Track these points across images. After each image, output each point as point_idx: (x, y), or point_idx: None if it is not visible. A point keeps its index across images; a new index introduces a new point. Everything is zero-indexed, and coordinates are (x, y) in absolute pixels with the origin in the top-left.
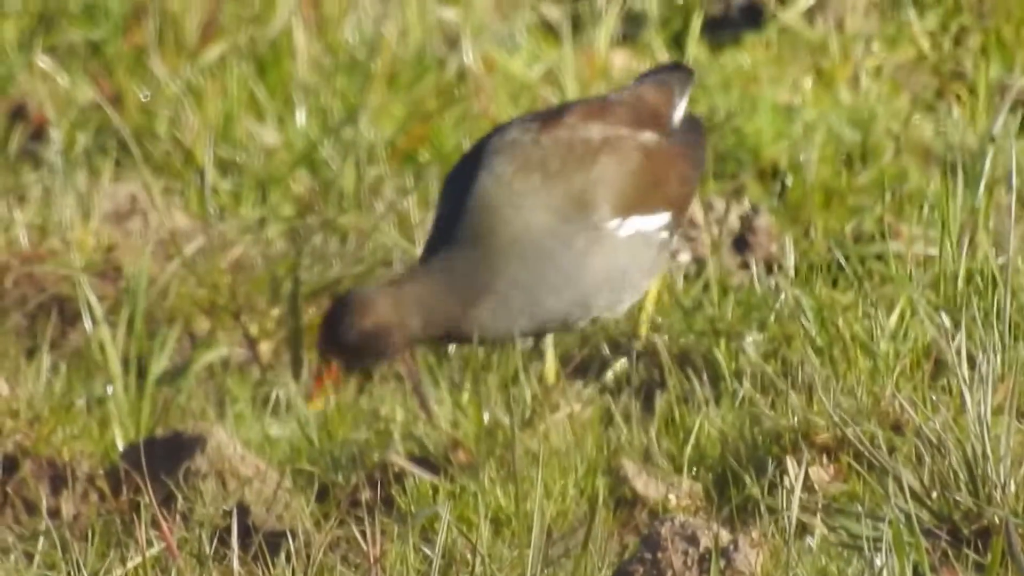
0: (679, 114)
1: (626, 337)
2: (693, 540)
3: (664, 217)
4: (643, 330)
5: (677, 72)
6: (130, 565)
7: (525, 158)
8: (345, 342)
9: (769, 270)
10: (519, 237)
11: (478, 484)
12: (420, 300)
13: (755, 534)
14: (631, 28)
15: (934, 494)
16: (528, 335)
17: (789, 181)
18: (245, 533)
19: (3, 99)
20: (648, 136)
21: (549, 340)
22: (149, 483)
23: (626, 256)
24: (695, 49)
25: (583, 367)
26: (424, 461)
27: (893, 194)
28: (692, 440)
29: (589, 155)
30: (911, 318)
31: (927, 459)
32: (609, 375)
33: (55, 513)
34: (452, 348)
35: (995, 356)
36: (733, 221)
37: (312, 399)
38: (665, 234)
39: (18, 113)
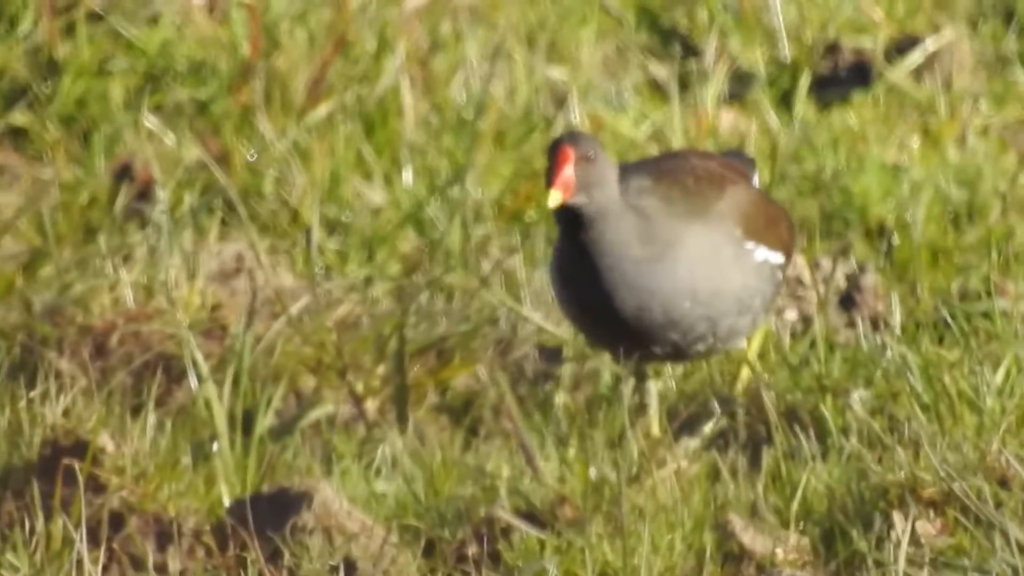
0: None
1: (728, 393)
2: None
3: (780, 257)
4: (742, 386)
5: (743, 155)
6: None
7: (660, 175)
8: (586, 146)
9: (876, 328)
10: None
11: (585, 539)
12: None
13: None
14: (739, 87)
15: None
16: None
17: (896, 240)
18: None
19: (110, 158)
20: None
21: (653, 394)
22: (256, 539)
23: (756, 279)
24: (803, 107)
25: (689, 423)
26: (531, 516)
27: (1000, 252)
28: (799, 495)
29: (717, 181)
30: (1017, 375)
31: None
32: (707, 430)
33: (162, 569)
34: (559, 401)
35: None
36: (840, 279)
37: (552, 187)
38: (780, 275)
39: (125, 172)
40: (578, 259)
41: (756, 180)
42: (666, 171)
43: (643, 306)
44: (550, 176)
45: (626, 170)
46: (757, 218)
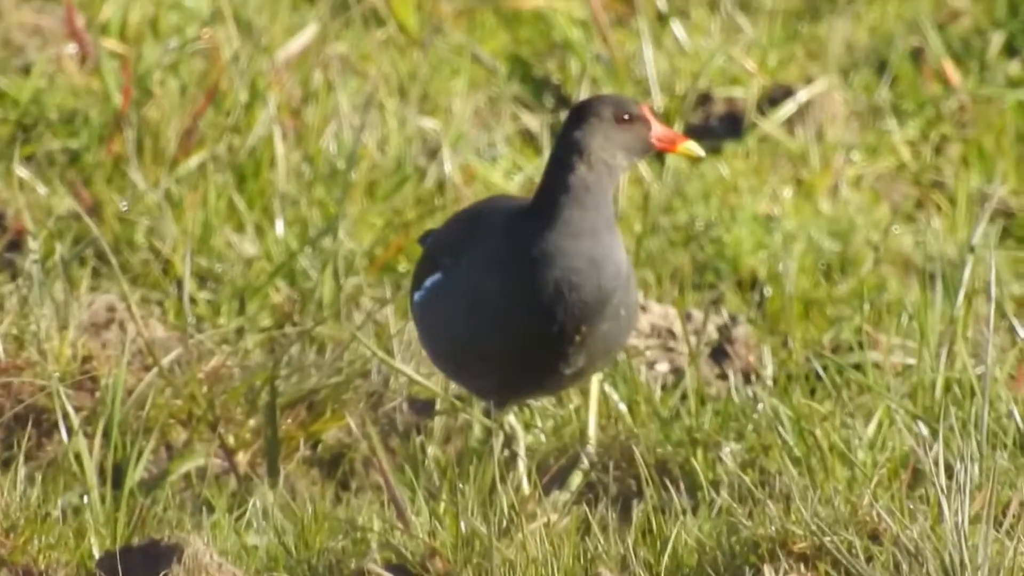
0: None
1: (586, 445)
2: None
3: None
4: (592, 432)
5: None
6: None
7: None
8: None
9: (747, 380)
10: None
11: None
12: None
13: None
14: None
15: None
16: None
17: (768, 291)
18: None
19: None
20: None
21: (523, 446)
22: None
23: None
24: (675, 158)
25: (560, 476)
26: (402, 570)
27: (872, 304)
28: (669, 549)
29: None
30: (889, 427)
31: (905, 567)
32: (576, 482)
33: None
34: (429, 454)
35: (973, 465)
36: (711, 331)
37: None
38: None
39: None
40: (580, 233)
41: None
42: None
43: (606, 318)
44: (675, 133)
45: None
46: None
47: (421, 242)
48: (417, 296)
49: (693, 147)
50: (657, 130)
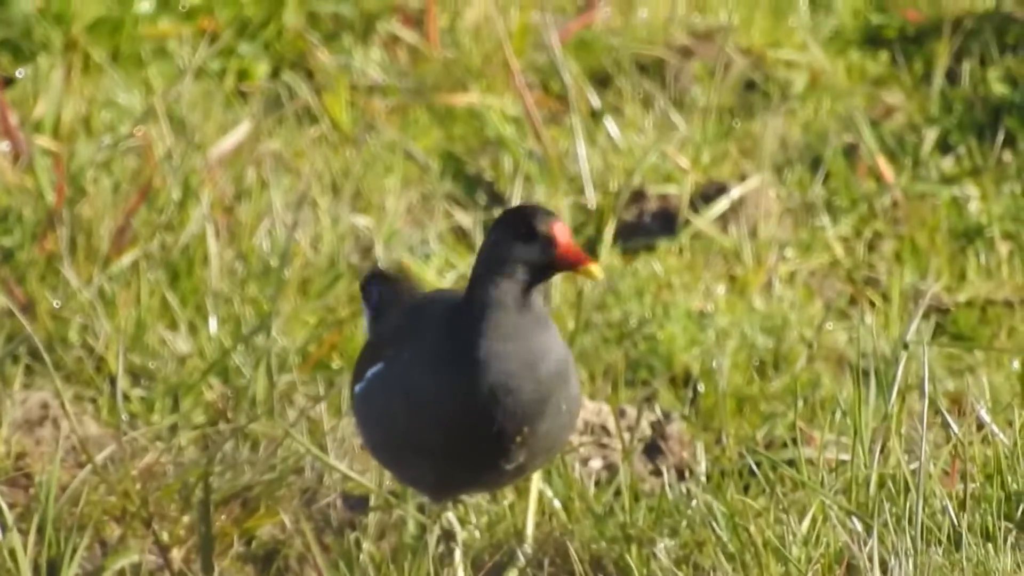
0: None
1: (522, 543)
2: None
3: None
4: (530, 530)
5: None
6: None
7: None
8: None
9: (681, 476)
10: None
11: None
12: None
13: None
14: None
15: None
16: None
17: (701, 388)
18: None
19: None
20: None
21: (459, 542)
22: None
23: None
24: (608, 255)
25: (495, 571)
26: None
27: (805, 400)
28: None
29: None
30: (823, 523)
31: None
32: None
33: None
34: (364, 550)
35: (907, 561)
36: (645, 428)
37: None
38: None
39: None
40: (512, 336)
41: None
42: None
43: (547, 415)
44: (578, 254)
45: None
46: None
47: (362, 288)
48: (358, 387)
49: (595, 269)
50: (561, 249)
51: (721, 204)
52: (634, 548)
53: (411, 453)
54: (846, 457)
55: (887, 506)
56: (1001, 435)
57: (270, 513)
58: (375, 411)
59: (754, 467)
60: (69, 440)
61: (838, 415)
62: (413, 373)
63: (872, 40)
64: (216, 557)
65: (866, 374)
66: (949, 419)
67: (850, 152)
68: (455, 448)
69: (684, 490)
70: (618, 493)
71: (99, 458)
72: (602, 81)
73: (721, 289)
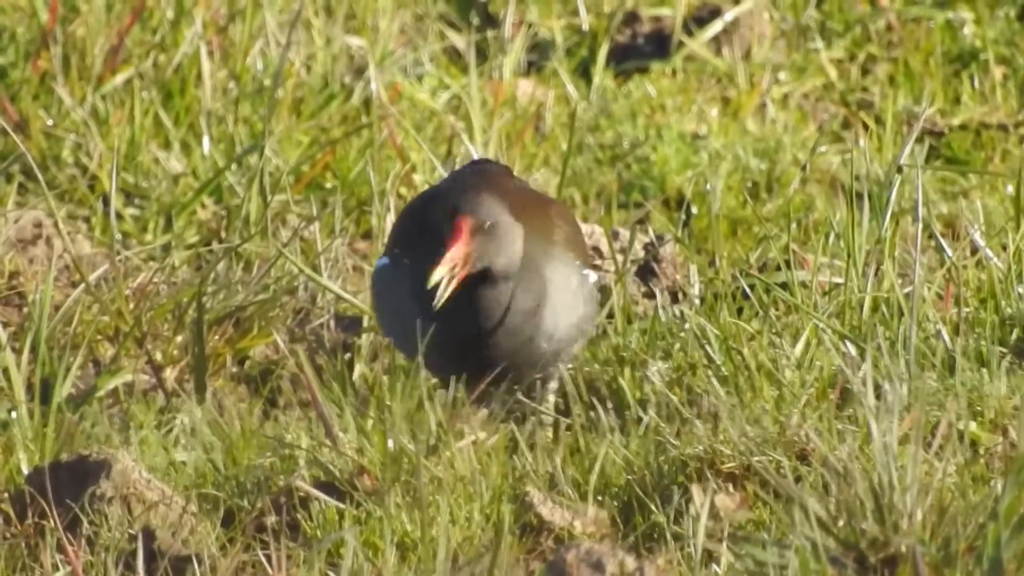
0: None
1: None
2: (599, 567)
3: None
4: None
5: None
6: None
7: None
8: (483, 215)
9: (674, 299)
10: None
11: (384, 510)
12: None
13: (661, 561)
14: (537, 57)
15: (840, 522)
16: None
17: (695, 210)
18: (151, 558)
19: None
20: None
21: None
22: (54, 508)
23: (592, 305)
24: (601, 77)
25: (487, 394)
26: (329, 487)
27: (799, 223)
28: (597, 468)
29: (542, 207)
30: (817, 347)
31: (833, 488)
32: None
33: None
34: (357, 371)
35: (901, 386)
36: (638, 250)
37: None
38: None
39: None
40: (464, 305)
41: None
42: (501, 200)
43: (515, 350)
44: (446, 258)
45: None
46: (580, 240)
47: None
48: (377, 262)
49: (436, 274)
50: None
51: (715, 26)
52: (627, 370)
53: (408, 345)
54: (839, 280)
55: (881, 330)
56: (995, 259)
57: (263, 334)
58: (378, 296)
59: (747, 290)
60: (62, 259)
61: (831, 238)
62: (403, 288)
63: None
64: (209, 377)
65: (860, 197)
66: (943, 243)
67: None
68: (440, 358)
69: (677, 312)
70: (611, 316)
71: (92, 277)
72: None
73: (714, 112)
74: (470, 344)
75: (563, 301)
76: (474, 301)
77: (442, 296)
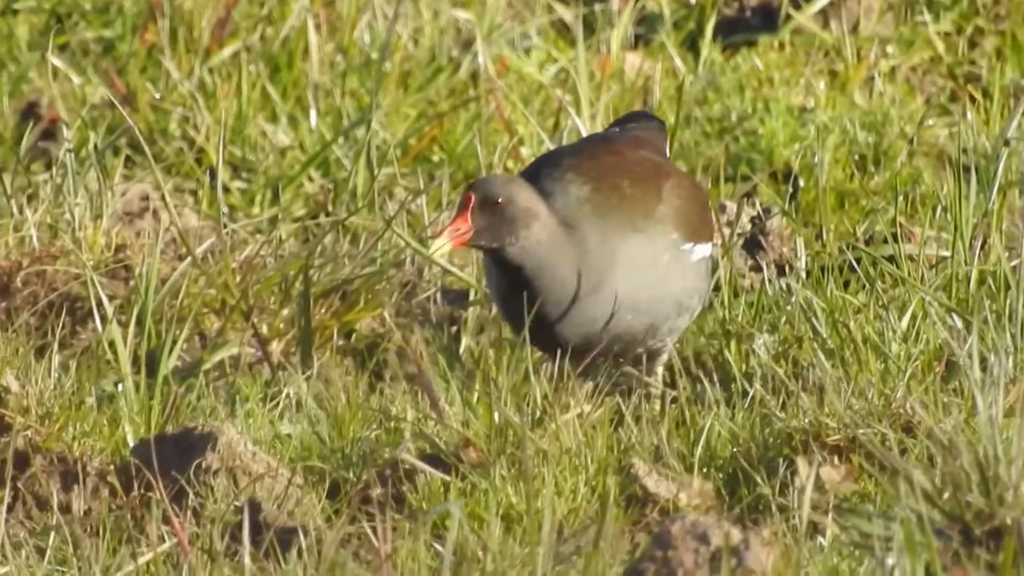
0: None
1: None
2: (704, 539)
3: (712, 246)
4: None
5: (650, 116)
6: (141, 561)
7: (599, 176)
8: (493, 191)
9: (781, 272)
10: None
11: (489, 482)
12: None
13: (766, 533)
14: (644, 30)
15: (945, 495)
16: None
17: (802, 183)
18: (256, 530)
19: (15, 97)
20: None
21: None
22: (160, 479)
23: (694, 279)
24: (709, 51)
25: (593, 367)
26: (435, 459)
27: (906, 196)
28: (703, 440)
29: (653, 180)
30: (923, 320)
31: (939, 460)
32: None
33: (66, 509)
34: (463, 344)
35: (1007, 358)
36: (745, 223)
37: (435, 238)
38: (712, 262)
39: (30, 111)
40: (516, 293)
41: (667, 144)
42: (605, 170)
43: (588, 334)
44: (445, 229)
45: (560, 166)
46: (692, 215)
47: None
48: None
49: (436, 244)
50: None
51: (822, 0)
52: (733, 343)
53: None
54: (946, 253)
55: (987, 303)
56: None
57: (369, 307)
58: (486, 274)
59: (854, 263)
60: (169, 232)
61: (938, 211)
62: (490, 280)
63: None
64: (315, 350)
65: (967, 170)
66: None
67: None
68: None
69: (784, 285)
70: (717, 289)
71: (199, 251)
72: None
73: (822, 85)
74: (538, 330)
75: (639, 278)
76: (526, 291)
77: (434, 252)
